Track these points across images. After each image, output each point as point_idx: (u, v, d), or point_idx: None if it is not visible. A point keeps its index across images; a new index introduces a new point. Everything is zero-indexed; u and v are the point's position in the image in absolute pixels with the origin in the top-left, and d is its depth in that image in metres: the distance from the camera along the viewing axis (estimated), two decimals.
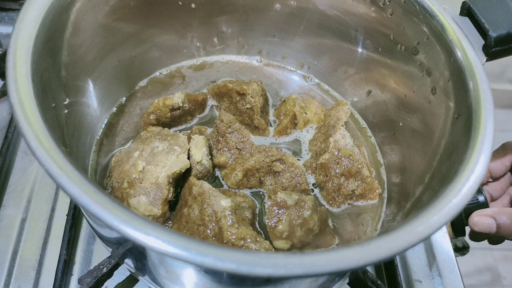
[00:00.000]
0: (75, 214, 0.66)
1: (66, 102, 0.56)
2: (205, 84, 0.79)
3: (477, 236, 0.73)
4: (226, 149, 0.67)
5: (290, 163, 0.64)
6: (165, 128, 0.66)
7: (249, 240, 0.52)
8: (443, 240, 0.73)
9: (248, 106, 0.71)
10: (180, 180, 0.62)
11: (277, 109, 0.76)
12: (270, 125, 0.75)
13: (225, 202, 0.54)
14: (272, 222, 0.56)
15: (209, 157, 0.65)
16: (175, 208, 0.61)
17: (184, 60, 0.81)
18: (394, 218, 0.62)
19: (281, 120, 0.74)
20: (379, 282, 0.61)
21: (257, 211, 0.62)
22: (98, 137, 0.68)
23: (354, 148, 0.68)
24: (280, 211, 0.56)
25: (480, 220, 0.63)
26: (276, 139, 0.73)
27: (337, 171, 0.64)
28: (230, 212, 0.53)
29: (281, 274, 0.34)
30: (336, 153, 0.65)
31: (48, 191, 0.70)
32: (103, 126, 0.70)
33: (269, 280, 0.42)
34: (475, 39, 0.56)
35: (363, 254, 0.36)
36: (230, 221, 0.52)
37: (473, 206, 0.66)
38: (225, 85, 0.73)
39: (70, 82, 0.58)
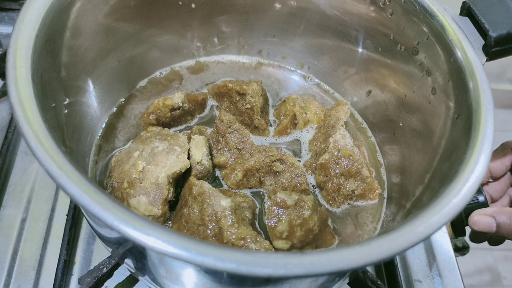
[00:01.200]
0: (75, 214, 0.66)
1: (66, 102, 0.56)
2: (204, 84, 0.79)
3: (477, 236, 0.73)
4: (226, 149, 0.67)
5: (290, 163, 0.64)
6: (165, 128, 0.66)
7: (249, 240, 0.52)
8: (443, 240, 0.73)
9: (248, 106, 0.71)
10: (180, 180, 0.62)
11: (277, 109, 0.76)
12: (270, 125, 0.75)
13: (225, 202, 0.54)
14: (272, 222, 0.56)
15: (209, 157, 0.65)
16: (175, 208, 0.61)
17: (184, 60, 0.81)
18: (394, 218, 0.62)
19: (281, 120, 0.74)
20: (379, 282, 0.61)
21: (257, 211, 0.62)
22: (98, 137, 0.68)
23: (354, 148, 0.67)
24: (280, 211, 0.56)
25: (480, 219, 0.62)
26: (276, 139, 0.73)
27: (337, 171, 0.64)
28: (230, 212, 0.53)
29: (281, 274, 0.34)
30: (336, 153, 0.64)
31: (48, 191, 0.70)
32: (103, 126, 0.70)
33: (269, 280, 0.42)
34: (475, 39, 0.56)
35: (363, 254, 0.36)
36: (230, 221, 0.52)
37: (473, 206, 0.66)
38: (225, 85, 0.73)
39: (70, 82, 0.58)
